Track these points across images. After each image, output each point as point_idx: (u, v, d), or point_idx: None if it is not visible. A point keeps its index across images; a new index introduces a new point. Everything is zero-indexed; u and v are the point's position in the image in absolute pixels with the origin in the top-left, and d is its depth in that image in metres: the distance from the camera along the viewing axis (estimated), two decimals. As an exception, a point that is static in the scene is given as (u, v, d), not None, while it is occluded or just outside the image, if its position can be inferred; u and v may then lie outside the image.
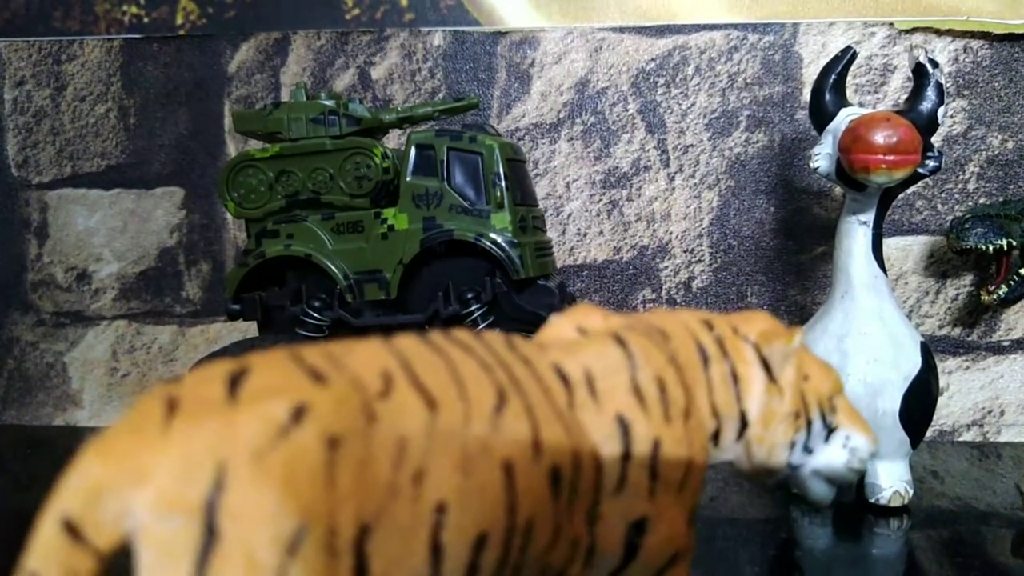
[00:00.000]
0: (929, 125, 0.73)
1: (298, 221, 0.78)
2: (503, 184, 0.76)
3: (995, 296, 0.89)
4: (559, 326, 0.44)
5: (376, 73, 1.04)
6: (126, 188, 1.08)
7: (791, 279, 1.02)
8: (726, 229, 1.01)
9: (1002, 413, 0.99)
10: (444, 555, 0.32)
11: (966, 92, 0.98)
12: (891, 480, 0.72)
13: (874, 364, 0.71)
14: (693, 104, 1.01)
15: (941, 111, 0.73)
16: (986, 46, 0.98)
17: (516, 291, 0.76)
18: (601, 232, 1.03)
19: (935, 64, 0.74)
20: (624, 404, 0.39)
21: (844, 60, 0.76)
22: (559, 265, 1.02)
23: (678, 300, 1.02)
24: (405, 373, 0.33)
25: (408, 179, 0.77)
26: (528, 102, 1.03)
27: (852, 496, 0.76)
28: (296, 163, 0.77)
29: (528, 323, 0.75)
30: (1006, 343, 0.99)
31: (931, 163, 0.72)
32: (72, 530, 0.27)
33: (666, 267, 1.02)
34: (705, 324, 0.44)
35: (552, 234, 1.02)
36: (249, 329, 0.94)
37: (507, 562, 0.34)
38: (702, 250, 1.02)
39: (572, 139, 1.02)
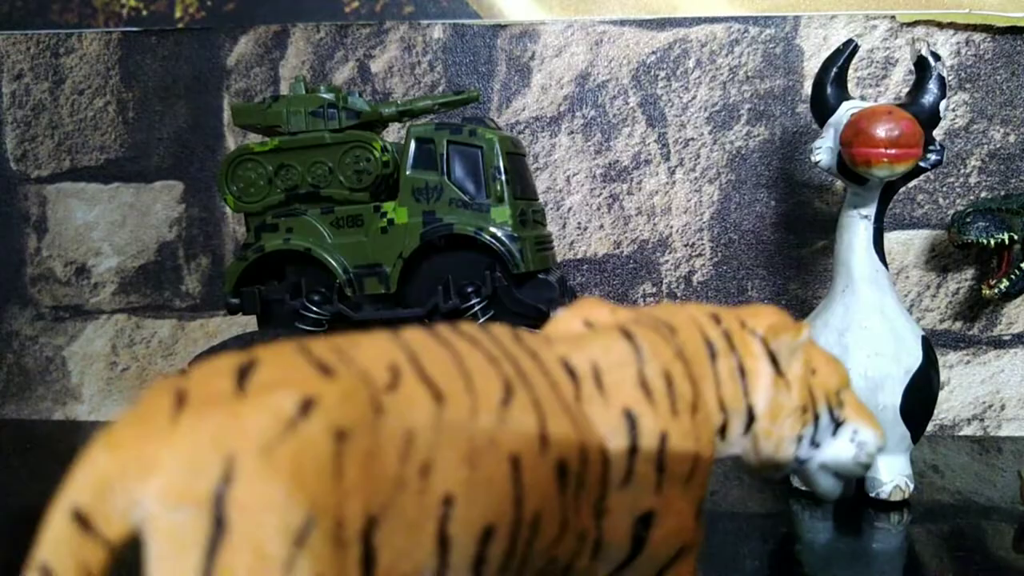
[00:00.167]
0: (931, 119, 0.72)
1: (297, 215, 0.78)
2: (503, 178, 0.75)
3: (996, 290, 0.89)
4: (566, 320, 0.44)
5: (375, 66, 1.04)
6: (125, 182, 1.08)
7: (792, 273, 1.02)
8: (727, 223, 1.01)
9: (1003, 407, 0.99)
10: (451, 547, 0.32)
11: (968, 85, 0.98)
12: (892, 474, 0.72)
13: (875, 358, 0.71)
14: (694, 97, 1.01)
15: (943, 104, 0.73)
16: (988, 39, 0.97)
17: (516, 285, 0.76)
18: (601, 226, 1.02)
19: (937, 57, 0.73)
20: (631, 398, 0.39)
21: (846, 53, 0.76)
22: (559, 259, 1.02)
23: (678, 294, 1.02)
24: (412, 366, 0.33)
25: (408, 173, 0.76)
26: (528, 95, 1.02)
27: (853, 490, 0.76)
28: (295, 157, 0.77)
29: (528, 317, 0.75)
30: (1007, 337, 0.99)
31: (933, 157, 0.72)
32: (83, 521, 0.27)
33: (666, 261, 1.02)
34: (713, 318, 0.44)
35: (552, 228, 1.02)
36: (249, 323, 0.94)
37: (514, 554, 0.34)
38: (703, 244, 1.02)
39: (572, 133, 1.02)
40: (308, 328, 0.77)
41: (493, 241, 0.74)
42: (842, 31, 0.98)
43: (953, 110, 0.98)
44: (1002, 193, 0.97)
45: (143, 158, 1.08)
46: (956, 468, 0.85)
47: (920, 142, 0.70)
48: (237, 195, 0.79)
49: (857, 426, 0.45)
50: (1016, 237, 0.87)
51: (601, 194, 1.02)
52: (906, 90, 0.82)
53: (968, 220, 0.87)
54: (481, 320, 0.75)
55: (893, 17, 0.98)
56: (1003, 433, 0.99)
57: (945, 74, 0.74)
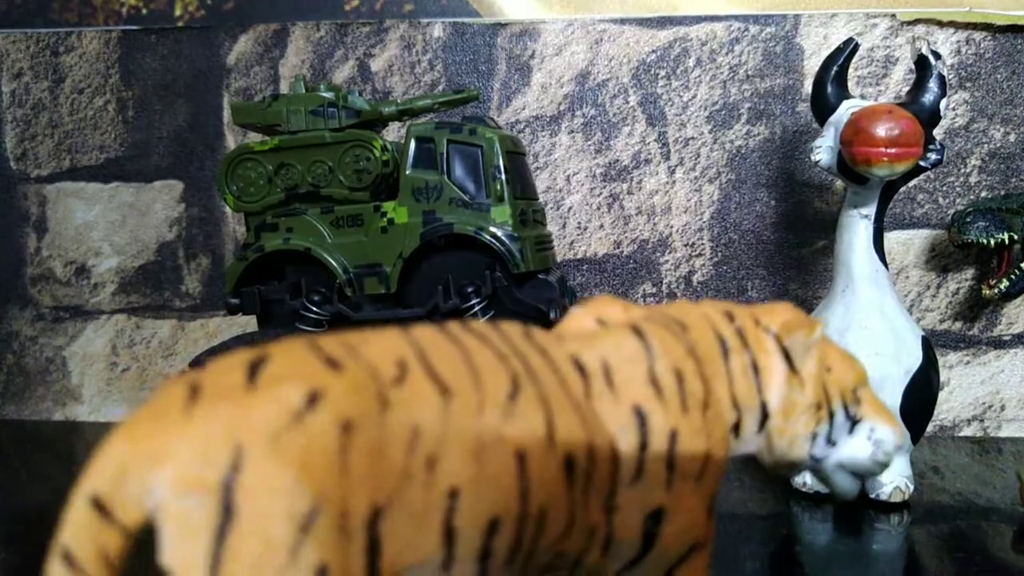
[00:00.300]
0: (931, 118, 0.72)
1: (297, 215, 0.78)
2: (503, 177, 0.75)
3: (996, 290, 0.89)
4: (579, 317, 0.44)
5: (375, 65, 1.04)
6: (125, 181, 1.08)
7: (792, 273, 1.01)
8: (727, 223, 1.01)
9: (1003, 408, 0.99)
10: (457, 539, 0.33)
11: (968, 84, 0.98)
12: (891, 475, 0.72)
13: (875, 358, 0.71)
14: (694, 96, 1.01)
15: (943, 103, 0.73)
16: (988, 38, 0.97)
17: (516, 285, 0.76)
18: (601, 226, 1.02)
19: (937, 56, 0.73)
20: (641, 395, 0.39)
21: (846, 52, 0.76)
22: (559, 259, 1.02)
23: (678, 294, 1.02)
24: (420, 361, 0.34)
25: (408, 172, 0.76)
26: (528, 94, 1.02)
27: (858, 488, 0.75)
28: (295, 156, 0.77)
29: (529, 317, 0.75)
30: (1007, 337, 0.99)
31: (933, 156, 0.72)
32: (101, 508, 0.29)
33: (667, 261, 1.02)
34: (726, 315, 0.44)
35: (552, 228, 1.02)
36: (249, 323, 0.94)
37: (520, 547, 0.35)
38: (703, 244, 1.01)
39: (572, 132, 1.02)
40: (308, 328, 0.77)
41: (493, 241, 0.74)
42: (842, 30, 0.98)
43: (953, 109, 0.98)
44: (1002, 193, 0.97)
45: (143, 157, 1.08)
46: (956, 469, 0.85)
47: (920, 141, 0.69)
48: (237, 194, 0.79)
49: (874, 424, 0.45)
50: (1016, 237, 0.87)
51: (601, 194, 1.02)
52: (906, 89, 0.82)
53: (968, 220, 0.87)
54: (481, 320, 0.75)
55: (893, 16, 0.98)
56: (1003, 434, 0.99)
57: (945, 73, 0.74)
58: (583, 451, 0.36)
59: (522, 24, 1.02)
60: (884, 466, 0.46)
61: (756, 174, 1.01)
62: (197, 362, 0.76)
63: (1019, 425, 0.98)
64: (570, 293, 0.80)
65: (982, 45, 0.97)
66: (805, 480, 0.74)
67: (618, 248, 1.02)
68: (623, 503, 0.38)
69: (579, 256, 1.03)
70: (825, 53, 0.79)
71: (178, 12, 1.06)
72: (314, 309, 0.77)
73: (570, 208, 1.02)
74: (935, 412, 0.77)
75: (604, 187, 1.02)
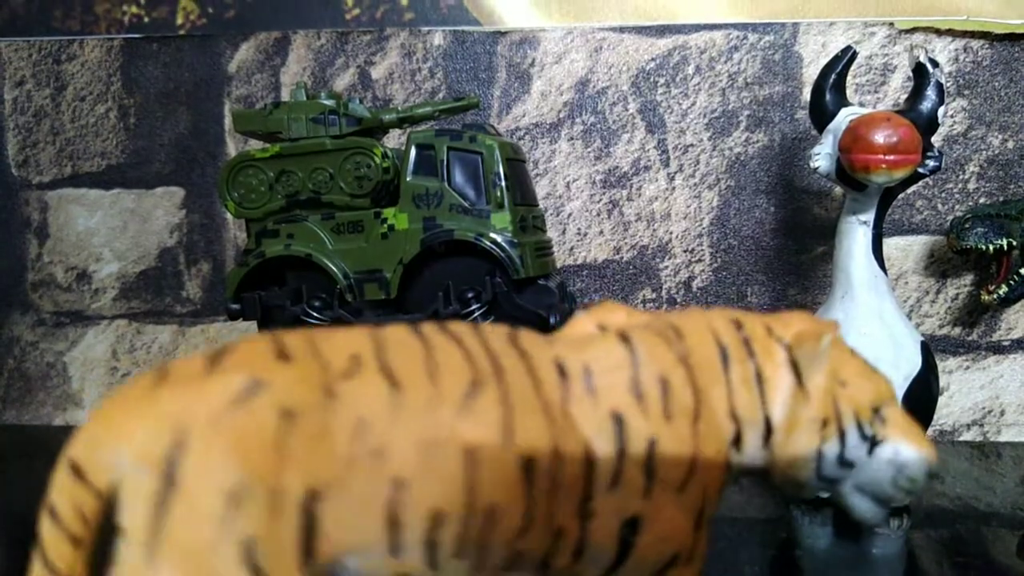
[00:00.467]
0: (929, 125, 0.73)
1: (298, 221, 0.78)
2: (503, 184, 0.76)
3: (995, 296, 0.89)
4: (582, 323, 0.44)
5: (376, 73, 1.04)
6: (126, 188, 1.08)
7: (791, 279, 1.02)
8: (726, 229, 1.01)
9: (1002, 413, 0.99)
10: (402, 526, 0.35)
11: (966, 92, 0.98)
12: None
13: (874, 364, 0.71)
14: (693, 104, 1.01)
15: (941, 111, 0.73)
16: (986, 46, 0.98)
17: (516, 291, 0.76)
18: (601, 232, 1.03)
19: (935, 64, 0.74)
20: (621, 401, 0.39)
21: (844, 60, 0.76)
22: (559, 265, 1.02)
23: (678, 300, 1.02)
24: (376, 357, 0.36)
25: (408, 179, 0.77)
26: (528, 102, 1.03)
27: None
28: (296, 163, 0.77)
29: (529, 322, 0.75)
30: (1006, 343, 0.99)
31: (931, 163, 0.72)
32: (78, 472, 0.33)
33: (666, 267, 1.02)
34: (734, 324, 0.42)
35: (552, 234, 1.02)
36: (249, 329, 0.94)
37: (467, 540, 0.36)
38: (702, 250, 1.02)
39: (572, 139, 1.02)
40: (309, 334, 0.77)
41: (493, 247, 0.75)
42: (841, 38, 0.99)
43: (951, 116, 0.98)
44: (1001, 199, 0.97)
45: (144, 164, 1.08)
46: (956, 474, 0.85)
47: (918, 148, 0.70)
48: (238, 201, 0.79)
49: (900, 446, 0.42)
50: (1015, 243, 0.87)
51: (601, 200, 1.02)
52: (904, 96, 0.83)
53: (967, 226, 0.87)
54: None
55: (892, 24, 0.99)
56: (1003, 439, 0.99)
57: (943, 80, 0.74)
58: (546, 453, 0.37)
59: (522, 32, 1.02)
60: (910, 492, 0.42)
61: (755, 181, 1.01)
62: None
63: (1019, 430, 0.98)
64: (570, 299, 0.81)
65: (980, 53, 0.98)
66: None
67: (618, 254, 1.03)
68: (600, 509, 0.38)
69: (579, 262, 1.03)
70: (824, 61, 0.79)
71: (179, 20, 1.06)
72: (315, 315, 0.78)
73: (570, 214, 1.03)
74: (935, 417, 0.77)
75: (604, 193, 1.02)
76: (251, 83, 1.06)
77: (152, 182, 1.08)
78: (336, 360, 0.35)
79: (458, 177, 0.76)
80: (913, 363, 0.72)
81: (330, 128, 0.77)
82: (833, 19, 0.99)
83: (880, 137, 0.68)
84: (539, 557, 0.38)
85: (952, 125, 0.98)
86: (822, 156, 0.74)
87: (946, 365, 0.99)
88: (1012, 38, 0.97)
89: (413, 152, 0.77)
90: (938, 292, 1.00)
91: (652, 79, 1.01)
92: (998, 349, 0.99)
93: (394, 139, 1.01)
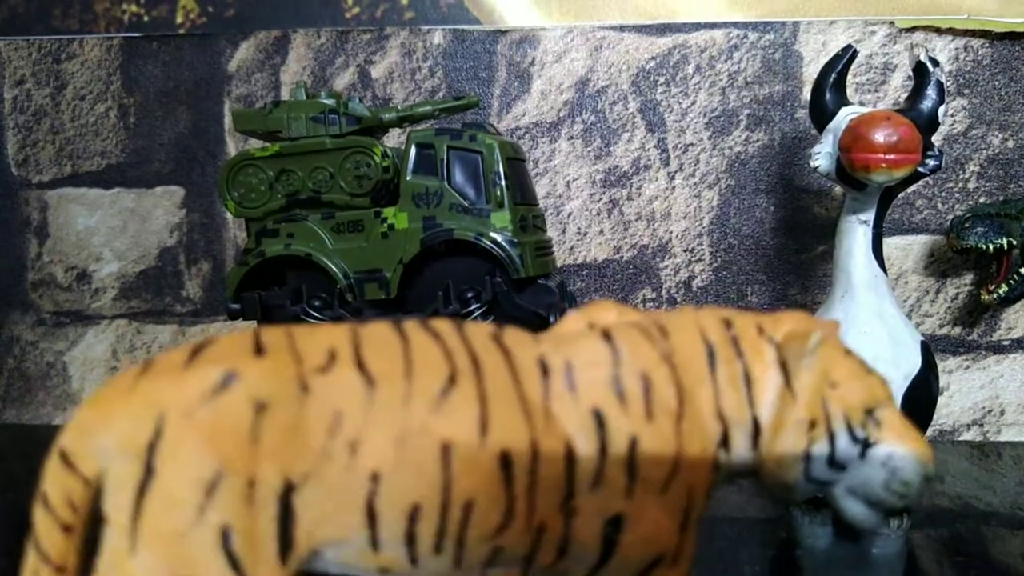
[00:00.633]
0: (929, 124, 0.73)
1: (298, 220, 0.78)
2: (503, 183, 0.76)
3: (995, 295, 0.89)
4: (573, 321, 0.44)
5: (376, 72, 1.04)
6: (126, 187, 1.08)
7: (791, 278, 1.02)
8: (726, 228, 1.01)
9: (1002, 412, 0.99)
10: (379, 521, 0.35)
11: (967, 91, 0.98)
12: (891, 479, 0.72)
13: (874, 363, 0.71)
14: (693, 103, 1.01)
15: (941, 110, 0.73)
16: (987, 45, 0.97)
17: (516, 290, 0.76)
18: (601, 231, 1.03)
19: (935, 63, 0.74)
20: (601, 398, 0.38)
21: (844, 59, 0.76)
22: (559, 264, 1.02)
23: (678, 299, 1.02)
24: (352, 353, 0.37)
25: (408, 178, 0.77)
26: (528, 101, 1.03)
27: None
28: (296, 162, 0.77)
29: (529, 322, 0.75)
30: (1006, 342, 0.99)
31: (931, 162, 0.72)
32: (67, 461, 0.35)
33: (666, 266, 1.02)
34: (723, 322, 0.42)
35: (552, 233, 1.02)
36: (249, 328, 0.94)
37: (445, 535, 0.36)
38: (702, 249, 1.02)
39: (572, 138, 1.02)
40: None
41: (493, 246, 0.74)
42: (841, 37, 0.99)
43: (951, 115, 0.98)
44: (1001, 198, 0.97)
45: (144, 163, 1.08)
46: (956, 473, 0.85)
47: (919, 147, 0.70)
48: (238, 200, 0.79)
49: (894, 449, 0.41)
50: (1015, 242, 0.87)
51: (601, 199, 1.02)
52: (905, 95, 0.83)
53: (967, 225, 0.87)
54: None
55: (892, 23, 0.98)
56: (1003, 438, 0.99)
57: (944, 79, 0.74)
58: (524, 449, 0.37)
59: (522, 31, 1.02)
60: (903, 496, 0.41)
61: (755, 180, 1.01)
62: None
63: (1019, 429, 0.98)
64: (570, 298, 0.81)
65: (980, 52, 0.98)
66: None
67: (618, 253, 1.03)
68: (582, 507, 0.38)
69: (579, 261, 1.03)
70: (824, 60, 0.79)
71: (179, 19, 1.06)
72: (315, 314, 0.78)
73: (570, 214, 1.03)
74: (935, 417, 0.77)
75: (604, 193, 1.02)
76: (251, 82, 1.06)
77: (152, 181, 1.08)
78: (312, 354, 0.36)
79: (458, 176, 0.76)
80: (913, 363, 0.72)
81: (330, 127, 0.77)
82: (833, 18, 0.99)
83: (880, 136, 0.68)
84: (521, 554, 0.38)
85: (952, 124, 0.98)
86: (822, 155, 0.74)
87: (946, 365, 0.99)
88: (1012, 37, 0.97)
89: (413, 151, 0.77)
90: (938, 292, 1.00)
91: (652, 78, 1.01)
92: (998, 349, 0.99)
93: (394, 138, 1.01)
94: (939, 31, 0.98)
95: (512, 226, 0.75)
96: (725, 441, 0.40)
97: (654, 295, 1.03)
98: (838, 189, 0.97)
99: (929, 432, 0.77)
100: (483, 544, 0.37)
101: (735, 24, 1.00)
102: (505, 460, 0.36)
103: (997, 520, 0.71)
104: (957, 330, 1.00)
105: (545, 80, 1.02)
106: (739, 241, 1.01)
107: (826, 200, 1.00)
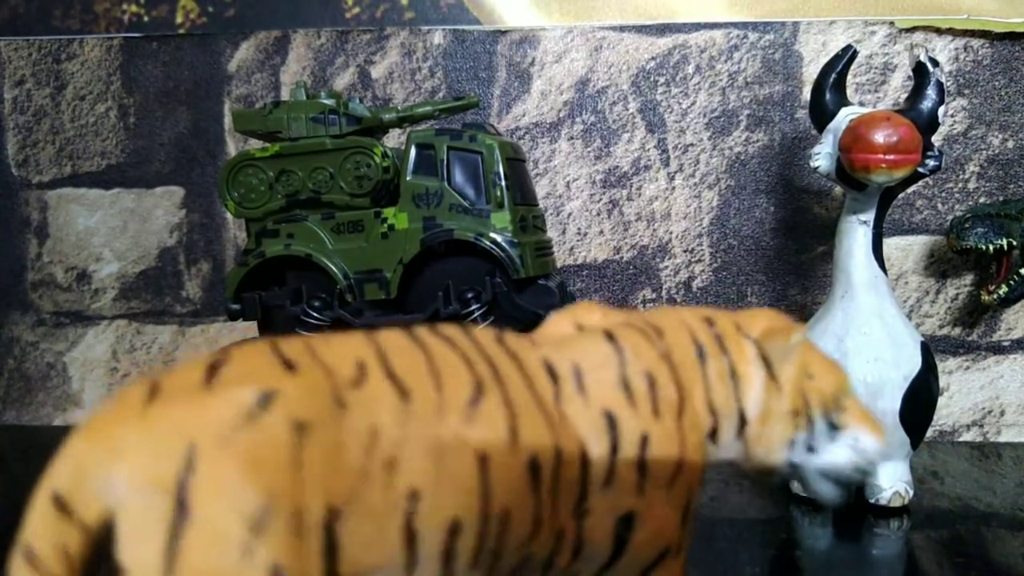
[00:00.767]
0: (929, 124, 0.73)
1: (298, 220, 0.78)
2: (503, 183, 0.76)
3: (995, 296, 0.89)
4: (558, 323, 0.45)
5: (376, 72, 1.04)
6: (126, 187, 1.08)
7: (791, 279, 1.02)
8: (726, 229, 1.01)
9: (1002, 413, 0.99)
10: (418, 540, 0.33)
11: (966, 91, 0.98)
12: (891, 480, 0.72)
13: (874, 364, 0.71)
14: (693, 103, 1.01)
15: (941, 110, 0.73)
16: (986, 45, 0.97)
17: (516, 291, 0.76)
18: (601, 232, 1.03)
19: (935, 63, 0.74)
20: (611, 399, 0.39)
21: (844, 59, 0.76)
22: (559, 265, 1.02)
23: (678, 300, 1.02)
24: (380, 364, 0.35)
25: (408, 178, 0.77)
26: (528, 101, 1.03)
27: (852, 497, 0.76)
28: (296, 162, 0.77)
29: (528, 323, 0.75)
30: (1006, 343, 0.99)
31: (931, 162, 0.72)
32: (61, 506, 0.29)
33: (666, 267, 1.02)
34: (706, 321, 0.44)
35: (552, 233, 1.02)
36: (250, 329, 0.94)
37: (483, 549, 0.35)
38: (702, 250, 1.02)
39: (572, 138, 1.02)
40: (309, 334, 0.77)
41: (493, 247, 0.74)
42: (841, 37, 0.99)
43: (951, 115, 0.98)
44: (1001, 199, 0.97)
45: (144, 164, 1.08)
46: (956, 474, 0.85)
47: (918, 148, 0.70)
48: (238, 201, 0.79)
49: (858, 432, 0.45)
50: (1015, 243, 0.87)
51: (601, 200, 1.02)
52: (905, 96, 0.83)
53: (967, 226, 0.87)
54: (481, 326, 0.75)
55: (892, 23, 0.98)
56: (1003, 439, 0.99)
57: (943, 80, 0.74)
58: (549, 454, 0.37)
59: (522, 31, 1.02)
60: (866, 474, 0.46)
61: (755, 180, 1.01)
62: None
63: (1019, 430, 0.98)
64: (570, 299, 0.81)
65: (980, 52, 0.98)
66: (805, 485, 0.74)
67: (618, 254, 1.03)
68: (595, 507, 0.38)
69: (579, 262, 1.03)
70: (824, 60, 0.79)
71: (179, 19, 1.06)
72: (315, 315, 0.78)
73: (570, 214, 1.03)
74: (935, 417, 0.77)
75: (604, 193, 1.02)
76: (251, 82, 1.06)
77: (152, 181, 1.08)
78: (341, 367, 0.34)
79: (458, 177, 0.76)
80: (913, 363, 0.72)
81: (330, 127, 0.77)
82: (833, 18, 0.99)
83: (880, 136, 0.68)
84: (544, 559, 0.38)
85: (952, 124, 0.98)
86: (822, 156, 0.74)
87: (946, 365, 0.99)
88: (1012, 37, 0.97)
89: (413, 151, 0.77)
90: (938, 292, 1.00)
91: (652, 78, 1.01)
92: (998, 349, 0.99)
93: (394, 139, 1.01)
94: (939, 31, 0.98)
95: (512, 226, 0.75)
96: (713, 433, 0.43)
97: (654, 296, 1.03)
98: (838, 189, 0.97)
99: (929, 433, 0.77)
100: (515, 553, 0.36)
101: (735, 24, 1.00)
102: (534, 466, 0.36)
103: (997, 521, 0.71)
104: (957, 331, 1.00)
105: (545, 80, 1.02)
106: (739, 241, 1.01)
107: (826, 200, 1.00)
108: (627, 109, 1.02)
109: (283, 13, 1.05)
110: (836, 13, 0.99)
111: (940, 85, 0.73)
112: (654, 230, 1.02)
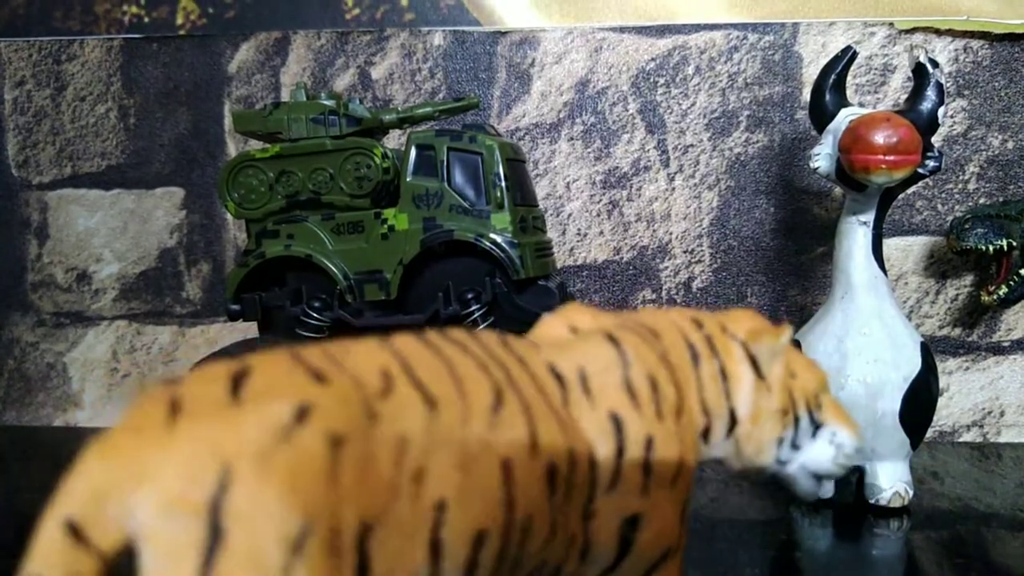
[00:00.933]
0: (929, 125, 0.73)
1: (298, 221, 0.78)
2: (503, 184, 0.76)
3: (995, 296, 0.89)
4: (551, 325, 0.45)
5: (376, 73, 1.04)
6: (126, 188, 1.08)
7: (791, 279, 1.02)
8: (726, 229, 1.01)
9: (1002, 414, 0.99)
10: (444, 552, 0.32)
11: (966, 92, 0.98)
12: (891, 481, 0.72)
13: (874, 365, 0.71)
14: (693, 104, 1.01)
15: (941, 111, 0.73)
16: (986, 46, 0.98)
17: (516, 291, 0.76)
18: (601, 232, 1.03)
19: (935, 64, 0.74)
20: (617, 402, 0.39)
21: (844, 60, 0.76)
22: (559, 265, 1.02)
23: (678, 300, 1.02)
24: (405, 372, 0.34)
25: (408, 179, 0.77)
26: (528, 102, 1.03)
27: (852, 497, 0.76)
28: (296, 163, 0.77)
29: (528, 324, 0.75)
30: (1006, 343, 0.99)
31: (931, 163, 0.72)
32: (75, 532, 0.27)
33: (666, 267, 1.02)
34: (694, 323, 0.45)
35: (552, 234, 1.02)
36: (249, 329, 0.94)
37: (506, 558, 0.34)
38: (702, 250, 1.02)
39: (572, 139, 1.02)
40: (309, 335, 0.77)
41: (493, 247, 0.75)
42: (841, 38, 0.99)
43: (951, 116, 0.98)
44: (1001, 199, 0.97)
45: (144, 164, 1.08)
46: (956, 474, 0.85)
47: (918, 148, 0.70)
48: (238, 201, 0.79)
49: (836, 428, 0.46)
50: (1015, 243, 0.87)
51: (601, 200, 1.02)
52: (904, 97, 0.83)
53: (967, 226, 0.87)
54: (481, 327, 0.75)
55: (891, 24, 0.98)
56: (1003, 439, 0.99)
57: (943, 81, 0.74)
58: (564, 459, 0.37)
59: (522, 32, 1.02)
60: (845, 468, 0.47)
61: (755, 181, 1.01)
62: (197, 368, 0.76)
63: (1018, 431, 0.98)
64: (570, 299, 0.81)
65: (980, 53, 0.98)
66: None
67: (618, 254, 1.03)
68: (600, 509, 0.39)
69: (579, 262, 1.03)
70: (823, 61, 0.79)
71: (180, 20, 1.06)
72: (315, 315, 0.78)
73: (570, 215, 1.03)
74: (934, 418, 0.77)
75: (604, 194, 1.02)
76: (251, 83, 1.06)
77: (152, 182, 1.08)
78: (368, 376, 0.33)
79: (458, 177, 0.76)
80: (913, 364, 0.72)
81: (330, 128, 0.77)
82: (833, 19, 0.99)
83: (880, 137, 0.68)
84: (556, 564, 0.38)
85: (952, 125, 0.98)
86: (822, 156, 0.74)
87: (946, 366, 0.99)
88: (1012, 38, 0.97)
89: (413, 152, 0.77)
90: (938, 293, 1.00)
91: (652, 79, 1.01)
92: (998, 350, 0.99)
93: (394, 139, 1.01)
94: (938, 32, 0.98)
95: (512, 227, 0.75)
96: (705, 433, 0.44)
97: (654, 296, 1.03)
98: (838, 190, 0.97)
99: (929, 433, 0.77)
100: (532, 561, 0.36)
101: (735, 25, 1.00)
102: (551, 471, 0.36)
103: (997, 522, 0.71)
104: (957, 331, 1.00)
105: (545, 81, 1.02)
106: (739, 242, 1.01)
107: (826, 201, 1.00)
108: (627, 110, 1.02)
109: (283, 14, 1.05)
110: (836, 14, 0.99)
111: (940, 86, 0.73)
112: (654, 231, 1.02)
